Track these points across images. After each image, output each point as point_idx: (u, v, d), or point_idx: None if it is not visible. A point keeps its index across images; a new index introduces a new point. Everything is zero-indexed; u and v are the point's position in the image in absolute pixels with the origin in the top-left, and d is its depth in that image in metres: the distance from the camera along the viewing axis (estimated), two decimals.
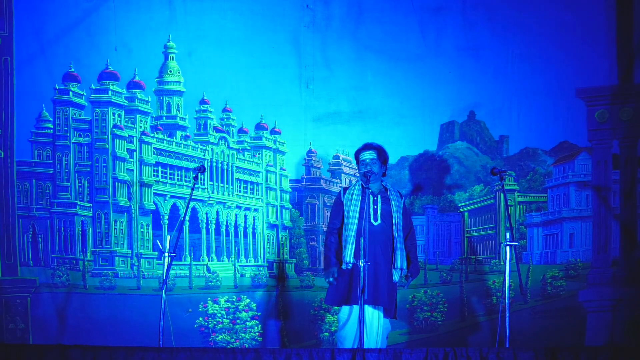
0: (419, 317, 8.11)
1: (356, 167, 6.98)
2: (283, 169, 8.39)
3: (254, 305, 8.05)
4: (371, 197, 6.74)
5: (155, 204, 8.10)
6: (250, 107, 8.26)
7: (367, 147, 6.85)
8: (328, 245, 6.80)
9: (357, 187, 6.81)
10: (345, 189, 6.91)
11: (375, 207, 6.73)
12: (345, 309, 6.71)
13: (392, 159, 7.08)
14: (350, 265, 6.64)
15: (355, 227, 6.68)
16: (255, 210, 8.34)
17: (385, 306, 6.65)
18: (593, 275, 8.13)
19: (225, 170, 8.32)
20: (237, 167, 8.36)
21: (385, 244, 6.72)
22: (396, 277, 6.73)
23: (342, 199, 6.82)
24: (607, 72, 8.13)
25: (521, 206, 8.31)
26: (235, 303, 8.03)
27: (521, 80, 8.20)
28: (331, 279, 6.65)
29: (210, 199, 8.24)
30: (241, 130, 8.36)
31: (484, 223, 8.33)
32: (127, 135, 8.07)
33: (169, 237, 6.44)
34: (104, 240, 7.95)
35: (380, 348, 6.37)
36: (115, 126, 8.02)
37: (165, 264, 6.33)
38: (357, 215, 6.69)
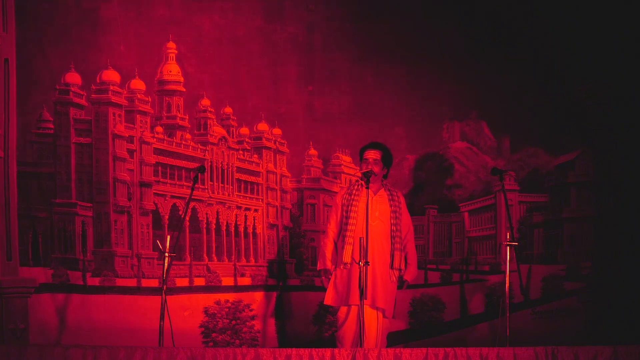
0: (419, 317, 8.11)
1: (356, 168, 6.98)
2: (283, 169, 8.39)
3: (254, 305, 8.05)
4: (370, 197, 6.74)
5: (155, 204, 8.10)
6: (250, 107, 8.26)
7: (373, 146, 6.85)
8: (322, 252, 6.83)
9: (356, 187, 6.82)
10: (344, 190, 6.92)
11: (374, 207, 6.74)
12: (343, 308, 6.72)
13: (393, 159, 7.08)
14: (349, 266, 6.65)
15: (354, 227, 6.68)
16: (256, 210, 8.34)
17: (381, 307, 6.66)
18: (593, 275, 8.14)
19: (226, 171, 8.32)
20: (237, 167, 8.36)
21: (383, 244, 6.72)
22: (394, 277, 6.73)
23: (342, 200, 6.83)
24: (607, 72, 8.13)
25: (521, 206, 8.32)
26: (235, 303, 8.03)
27: (521, 80, 8.21)
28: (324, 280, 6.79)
29: (211, 199, 8.24)
30: (241, 130, 8.36)
31: (484, 223, 8.33)
32: (127, 135, 8.07)
33: (169, 237, 6.43)
34: (104, 240, 7.95)
35: (380, 348, 6.37)
36: (115, 126, 8.02)
37: (165, 264, 6.33)
38: (356, 215, 6.69)
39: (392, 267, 6.72)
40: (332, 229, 6.84)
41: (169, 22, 8.10)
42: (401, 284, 6.83)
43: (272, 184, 8.37)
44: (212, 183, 8.26)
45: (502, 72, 8.22)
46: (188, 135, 8.23)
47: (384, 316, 6.73)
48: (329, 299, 6.78)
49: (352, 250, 6.64)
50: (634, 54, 8.02)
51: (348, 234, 6.69)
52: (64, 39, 7.90)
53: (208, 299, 8.03)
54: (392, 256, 6.72)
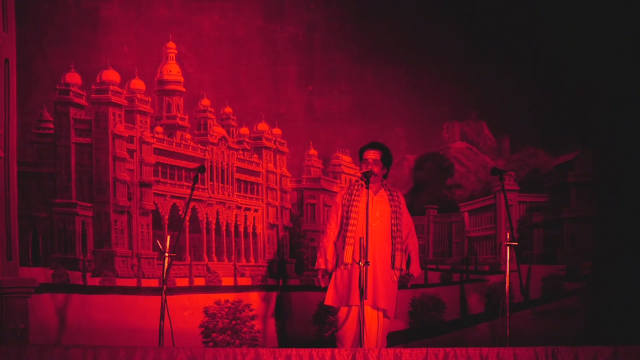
0: (419, 317, 8.11)
1: (356, 168, 6.98)
2: (283, 169, 8.39)
3: (254, 305, 8.06)
4: (370, 198, 6.74)
5: (155, 204, 8.10)
6: (250, 107, 8.26)
7: (372, 146, 6.84)
8: (321, 252, 6.81)
9: (356, 187, 6.81)
10: (344, 190, 6.92)
11: (375, 207, 6.73)
12: (343, 309, 6.71)
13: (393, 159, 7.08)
14: (350, 266, 6.65)
15: (354, 227, 6.68)
16: (256, 210, 8.34)
17: (383, 307, 6.66)
18: (593, 275, 8.14)
19: (226, 170, 8.33)
20: (237, 167, 8.36)
21: (385, 244, 6.72)
22: (395, 277, 6.74)
23: (342, 201, 6.82)
24: (607, 72, 8.13)
25: (521, 206, 8.32)
26: (235, 303, 8.03)
27: (521, 80, 8.21)
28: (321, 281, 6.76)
29: (211, 199, 8.24)
30: (241, 130, 8.36)
31: (484, 223, 8.33)
32: (127, 135, 8.07)
33: (169, 237, 6.44)
34: (104, 240, 7.95)
35: (380, 348, 6.37)
36: (115, 126, 8.02)
37: (165, 264, 6.33)
38: (357, 216, 6.69)
39: (393, 267, 6.72)
40: (331, 229, 6.83)
41: (169, 22, 8.11)
42: (402, 282, 6.83)
43: (272, 184, 8.38)
44: (212, 183, 8.26)
45: (502, 72, 8.22)
46: (188, 135, 8.24)
47: (385, 316, 6.74)
48: (329, 299, 6.77)
49: (353, 250, 6.63)
50: (634, 54, 8.02)
51: (349, 234, 6.68)
52: (64, 39, 7.90)
53: (208, 299, 8.03)
54: (393, 256, 6.72)
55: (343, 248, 6.68)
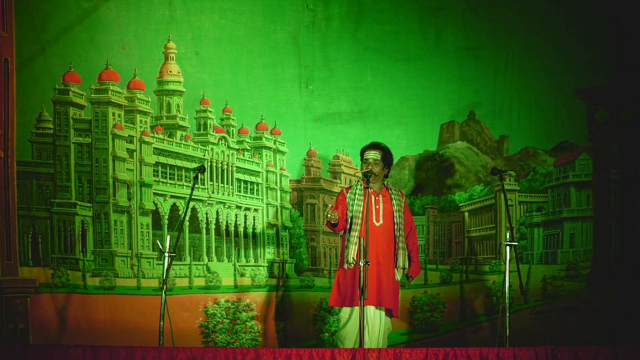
0: (419, 317, 8.11)
1: (356, 168, 6.98)
2: (283, 169, 8.39)
3: (254, 305, 8.05)
4: (373, 197, 6.75)
5: (155, 204, 8.10)
6: (250, 107, 8.26)
7: (373, 146, 6.84)
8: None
9: (358, 187, 6.81)
10: (347, 190, 6.91)
11: (377, 207, 6.74)
12: (346, 308, 6.72)
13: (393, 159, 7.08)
14: (353, 265, 6.65)
15: (358, 227, 6.68)
16: (255, 210, 8.34)
17: (389, 307, 6.66)
18: (593, 275, 8.14)
19: (225, 170, 8.32)
20: (237, 167, 8.36)
21: (388, 243, 6.72)
22: (398, 276, 6.74)
23: (346, 199, 6.80)
24: (607, 72, 8.14)
25: (521, 206, 8.32)
26: (235, 303, 8.03)
27: (521, 80, 8.22)
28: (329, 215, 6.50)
29: (210, 199, 8.24)
30: (241, 130, 8.36)
31: (484, 223, 8.33)
32: (127, 135, 8.06)
33: (169, 237, 6.43)
34: (104, 240, 7.95)
35: (381, 348, 6.38)
36: (115, 126, 8.02)
37: (165, 264, 6.33)
38: (360, 215, 6.69)
39: (396, 265, 6.73)
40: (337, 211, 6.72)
41: (169, 22, 8.10)
42: (405, 280, 6.83)
43: (272, 184, 8.37)
44: (212, 183, 8.25)
45: (502, 72, 8.22)
46: (188, 135, 8.23)
47: (388, 315, 6.74)
48: (332, 300, 6.78)
49: (356, 250, 6.63)
50: (634, 53, 8.02)
51: (352, 233, 6.68)
52: (63, 39, 7.90)
53: (208, 299, 8.03)
54: (396, 255, 6.73)
55: (347, 247, 6.68)
